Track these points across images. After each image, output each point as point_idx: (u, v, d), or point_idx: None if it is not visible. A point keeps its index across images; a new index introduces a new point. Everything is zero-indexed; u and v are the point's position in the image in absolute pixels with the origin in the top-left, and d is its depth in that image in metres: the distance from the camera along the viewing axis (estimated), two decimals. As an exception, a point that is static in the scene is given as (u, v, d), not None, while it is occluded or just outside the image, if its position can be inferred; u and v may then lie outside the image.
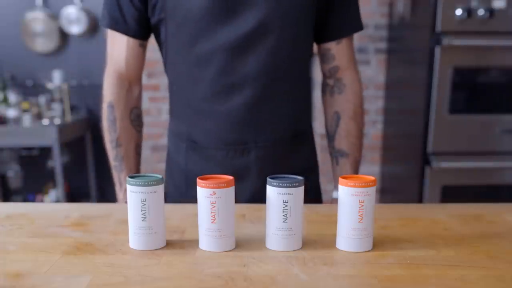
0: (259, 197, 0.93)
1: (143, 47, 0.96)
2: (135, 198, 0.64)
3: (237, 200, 0.91)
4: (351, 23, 0.98)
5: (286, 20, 0.88)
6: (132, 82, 0.98)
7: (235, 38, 0.86)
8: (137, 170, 1.03)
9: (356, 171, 1.02)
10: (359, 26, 1.00)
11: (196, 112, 0.94)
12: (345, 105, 1.00)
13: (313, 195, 1.04)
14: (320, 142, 1.09)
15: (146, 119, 1.13)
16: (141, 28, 0.93)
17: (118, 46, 0.95)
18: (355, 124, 1.01)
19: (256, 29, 0.86)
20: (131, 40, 0.94)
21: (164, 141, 2.91)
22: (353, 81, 1.01)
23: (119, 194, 0.99)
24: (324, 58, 1.00)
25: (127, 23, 0.92)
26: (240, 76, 0.89)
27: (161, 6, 0.89)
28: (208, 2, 0.85)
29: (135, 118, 1.00)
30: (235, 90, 0.90)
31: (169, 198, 1.04)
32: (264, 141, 0.93)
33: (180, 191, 1.01)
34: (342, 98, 1.01)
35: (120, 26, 0.92)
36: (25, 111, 2.62)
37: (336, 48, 0.98)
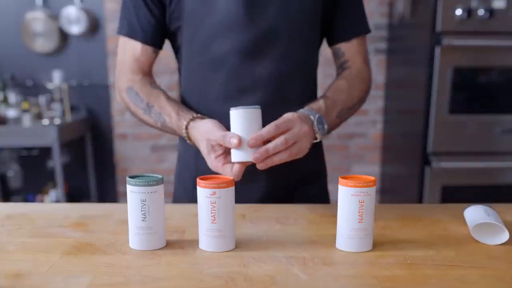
0: (269, 199, 0.94)
1: (156, 54, 0.98)
2: (135, 198, 0.64)
3: (247, 201, 0.92)
4: (355, 27, 0.98)
5: (295, 26, 0.90)
6: (145, 74, 0.98)
7: (247, 42, 0.88)
8: (178, 105, 0.92)
9: (329, 111, 0.88)
10: (363, 30, 0.99)
11: (207, 113, 0.94)
12: (346, 73, 0.98)
13: (321, 199, 1.03)
14: (324, 143, 1.09)
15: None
16: (157, 36, 0.95)
17: (132, 52, 0.95)
18: (348, 84, 0.94)
19: (266, 35, 0.88)
20: (146, 46, 0.95)
21: (164, 141, 2.91)
22: (363, 69, 1.00)
23: (182, 123, 0.87)
24: (335, 57, 1.02)
25: (144, 31, 0.94)
26: (250, 79, 0.90)
27: (177, 16, 0.92)
28: (228, 5, 0.87)
29: (154, 84, 0.97)
30: (246, 93, 0.91)
31: (177, 201, 1.03)
32: None
33: (189, 195, 0.99)
34: (345, 72, 0.99)
35: (137, 34, 0.94)
36: (25, 111, 2.61)
37: (345, 47, 0.99)
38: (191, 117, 0.85)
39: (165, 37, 0.98)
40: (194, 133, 0.83)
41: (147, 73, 0.98)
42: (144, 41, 0.94)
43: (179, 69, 1.00)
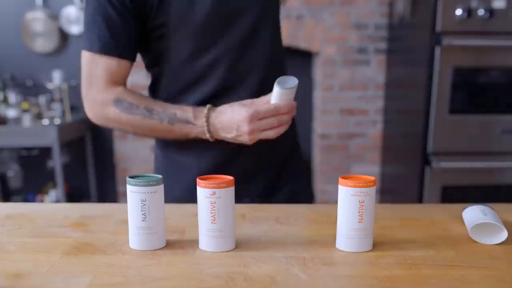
0: (265, 198, 0.97)
1: (132, 64, 0.94)
2: (135, 198, 0.64)
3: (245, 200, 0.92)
4: None
5: (270, 23, 0.96)
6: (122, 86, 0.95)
7: (233, 46, 0.91)
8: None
9: None
10: None
11: None
12: None
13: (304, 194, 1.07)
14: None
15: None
16: (133, 49, 0.92)
17: (106, 67, 0.90)
18: None
19: (249, 35, 0.92)
20: (121, 60, 0.91)
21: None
22: None
23: (200, 110, 0.88)
24: None
25: (120, 45, 0.89)
26: (238, 79, 0.93)
27: (162, 22, 0.88)
28: (211, 11, 0.88)
29: (139, 92, 0.95)
30: (236, 89, 0.93)
31: (177, 201, 1.02)
32: None
33: (188, 195, 0.98)
34: None
35: (111, 50, 0.89)
36: (25, 111, 2.61)
37: None
38: (209, 106, 0.88)
39: (139, 47, 0.94)
40: (221, 117, 0.86)
41: (124, 85, 0.94)
42: (119, 55, 0.90)
43: (156, 76, 0.97)
